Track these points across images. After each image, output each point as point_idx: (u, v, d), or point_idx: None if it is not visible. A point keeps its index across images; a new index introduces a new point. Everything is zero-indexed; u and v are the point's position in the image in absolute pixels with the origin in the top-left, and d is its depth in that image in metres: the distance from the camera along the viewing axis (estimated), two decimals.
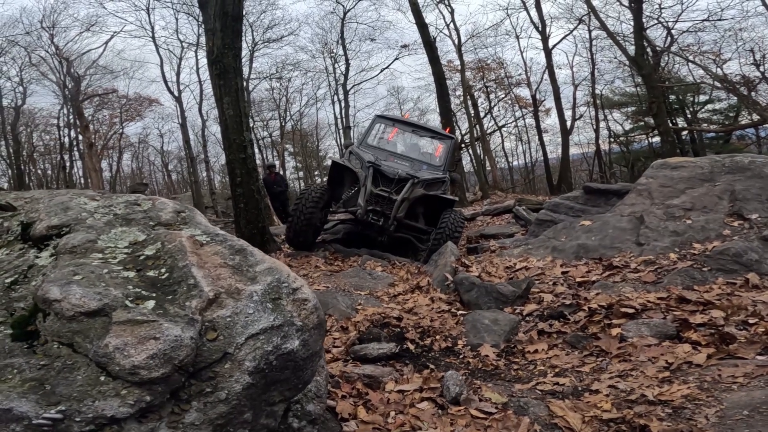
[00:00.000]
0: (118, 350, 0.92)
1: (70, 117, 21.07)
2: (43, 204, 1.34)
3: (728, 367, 2.02)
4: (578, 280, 3.20)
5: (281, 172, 17.22)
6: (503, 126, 26.43)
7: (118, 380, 0.89)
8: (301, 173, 30.16)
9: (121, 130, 27.04)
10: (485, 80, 24.59)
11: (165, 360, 0.93)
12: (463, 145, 21.64)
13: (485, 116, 24.51)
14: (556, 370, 2.38)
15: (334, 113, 26.52)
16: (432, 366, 2.53)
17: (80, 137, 20.99)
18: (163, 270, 1.13)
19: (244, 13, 7.07)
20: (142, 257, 1.15)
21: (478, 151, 21.29)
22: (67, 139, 22.77)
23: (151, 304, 1.02)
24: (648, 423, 1.70)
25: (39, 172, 28.48)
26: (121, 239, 1.19)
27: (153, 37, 20.53)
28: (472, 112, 21.71)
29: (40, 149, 26.60)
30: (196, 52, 20.82)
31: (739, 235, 3.17)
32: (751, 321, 2.35)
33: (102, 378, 0.90)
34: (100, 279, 1.05)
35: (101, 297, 0.99)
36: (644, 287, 2.89)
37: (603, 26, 12.74)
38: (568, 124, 19.63)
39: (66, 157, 23.24)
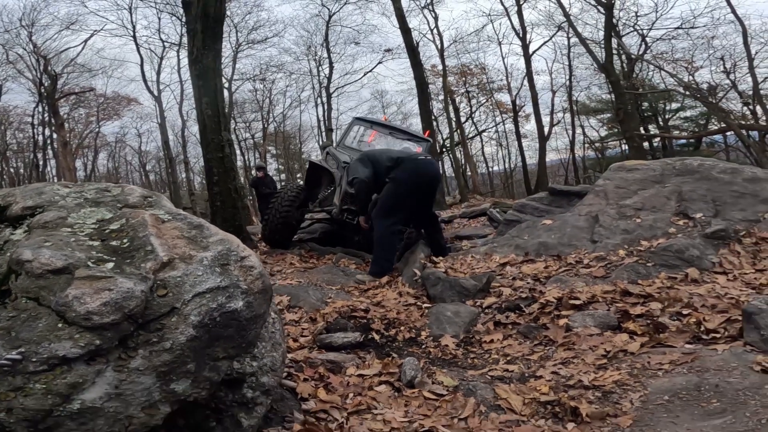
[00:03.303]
0: (76, 299, 1.06)
1: (45, 115, 20.64)
2: (19, 190, 1.46)
3: (657, 354, 2.20)
4: (536, 274, 3.39)
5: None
6: (483, 131, 26.88)
7: (73, 326, 1.04)
8: (283, 175, 30.05)
9: (97, 129, 26.57)
10: (467, 85, 24.99)
11: (116, 308, 1.07)
12: (444, 150, 21.94)
13: (466, 121, 24.89)
14: (508, 358, 2.54)
15: (318, 116, 26.54)
16: (395, 355, 2.66)
17: (55, 135, 20.59)
18: (125, 240, 1.28)
19: (228, 14, 7.15)
20: (107, 231, 1.31)
21: (459, 156, 21.61)
22: (41, 138, 22.28)
23: (110, 265, 1.18)
24: (578, 405, 1.86)
25: (11, 170, 27.78)
26: (90, 217, 1.34)
27: (134, 36, 20.32)
28: (453, 117, 22.03)
29: (13, 147, 25.96)
30: (178, 52, 20.65)
31: (684, 233, 3.41)
32: (684, 312, 2.55)
33: (60, 325, 1.05)
34: (67, 245, 1.20)
35: (67, 258, 1.14)
36: (594, 281, 3.09)
37: (575, 32, 13.16)
38: (546, 129, 20.10)
39: (39, 155, 22.72)
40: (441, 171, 17.81)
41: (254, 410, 1.46)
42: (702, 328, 2.33)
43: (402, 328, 3.01)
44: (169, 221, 1.33)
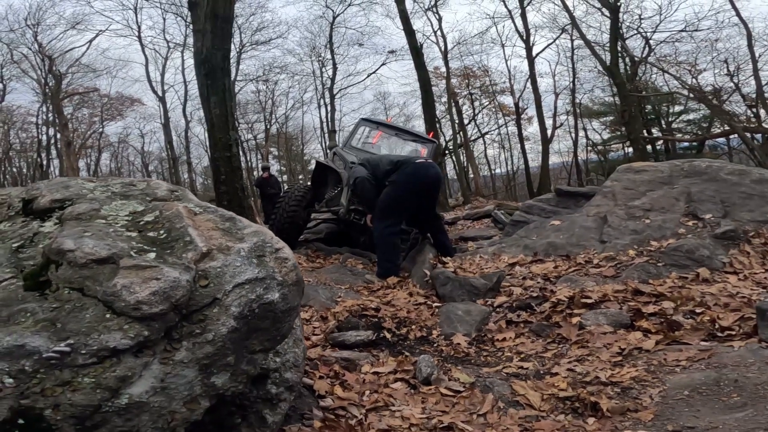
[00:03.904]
0: (125, 288, 1.06)
1: (49, 115, 20.72)
2: (43, 184, 1.47)
3: (673, 351, 2.21)
4: (546, 274, 3.39)
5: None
6: (486, 133, 26.90)
7: (122, 316, 1.03)
8: (285, 177, 30.09)
9: (101, 130, 26.65)
10: (470, 87, 25.00)
11: (164, 297, 1.07)
12: (446, 152, 21.96)
13: (469, 123, 24.91)
14: (522, 355, 2.55)
15: (320, 117, 26.59)
16: (407, 353, 2.67)
17: (58, 135, 20.65)
18: (162, 231, 1.28)
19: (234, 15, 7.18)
20: (142, 222, 1.30)
21: (462, 158, 21.62)
22: (44, 137, 22.34)
23: (152, 255, 1.17)
24: (598, 400, 1.87)
25: (14, 170, 27.86)
26: (122, 210, 1.34)
27: (139, 37, 20.42)
28: (456, 119, 22.05)
29: (16, 147, 26.05)
30: (182, 52, 20.75)
31: (693, 233, 3.42)
32: (698, 310, 2.56)
33: (108, 315, 1.03)
34: (107, 236, 1.20)
35: (110, 247, 1.14)
36: (604, 281, 3.10)
37: (580, 34, 13.20)
38: (549, 132, 20.11)
39: (43, 155, 22.79)
40: (442, 173, 17.81)
41: (278, 406, 1.47)
42: (716, 326, 2.34)
43: (413, 326, 3.01)
44: (201, 213, 1.34)
